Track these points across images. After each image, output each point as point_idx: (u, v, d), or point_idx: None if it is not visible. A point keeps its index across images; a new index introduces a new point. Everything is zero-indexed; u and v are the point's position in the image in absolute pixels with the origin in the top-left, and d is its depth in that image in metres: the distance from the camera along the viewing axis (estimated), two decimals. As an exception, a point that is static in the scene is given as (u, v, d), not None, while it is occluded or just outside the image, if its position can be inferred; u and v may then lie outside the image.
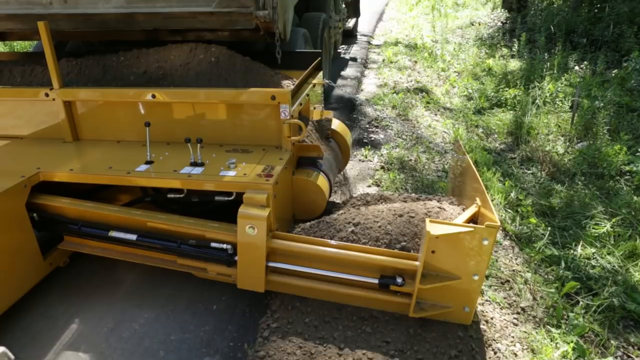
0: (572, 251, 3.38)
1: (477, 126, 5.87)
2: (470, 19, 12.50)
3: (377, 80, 7.91)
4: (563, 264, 3.22)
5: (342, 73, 8.06)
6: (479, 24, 11.89)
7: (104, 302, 2.82)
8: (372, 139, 5.42)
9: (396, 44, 10.41)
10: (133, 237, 2.64)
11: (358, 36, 11.19)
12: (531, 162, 4.86)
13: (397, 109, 6.24)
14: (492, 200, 3.77)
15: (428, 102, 6.64)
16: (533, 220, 3.67)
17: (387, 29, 12.61)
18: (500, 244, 3.46)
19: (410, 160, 4.88)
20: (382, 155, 4.98)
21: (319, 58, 3.73)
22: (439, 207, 2.77)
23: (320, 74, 3.71)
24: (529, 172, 4.67)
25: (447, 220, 2.52)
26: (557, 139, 5.26)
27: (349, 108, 6.33)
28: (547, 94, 6.24)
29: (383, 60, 9.07)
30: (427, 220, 2.27)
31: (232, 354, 2.49)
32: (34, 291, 2.77)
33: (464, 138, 5.43)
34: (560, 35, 8.84)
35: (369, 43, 10.82)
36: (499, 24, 11.56)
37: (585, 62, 7.68)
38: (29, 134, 3.24)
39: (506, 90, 6.72)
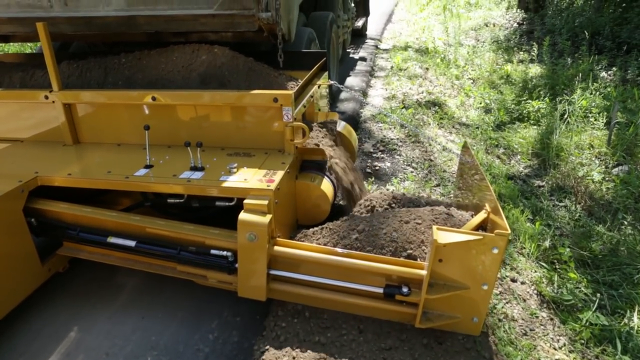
0: (625, 320, 2.73)
1: (497, 145, 5.20)
2: (484, 20, 12.13)
3: (384, 91, 7.08)
4: (619, 345, 2.54)
5: (346, 83, 7.25)
6: (494, 25, 11.53)
7: (104, 309, 2.76)
8: (377, 168, 4.54)
9: (406, 48, 9.79)
10: (132, 243, 2.57)
11: (360, 48, 10.45)
12: (563, 192, 4.14)
13: (406, 128, 5.50)
14: (522, 249, 3.23)
15: (442, 118, 5.94)
16: (573, 275, 3.02)
17: (396, 31, 12.15)
18: (537, 317, 2.76)
19: (423, 197, 3.81)
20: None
21: (325, 58, 3.65)
22: (447, 214, 2.67)
23: (326, 74, 3.62)
24: (561, 204, 3.98)
25: (455, 228, 2.42)
26: (590, 161, 4.54)
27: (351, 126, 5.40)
28: (579, 109, 5.45)
29: (391, 67, 8.35)
30: (434, 227, 2.18)
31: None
32: (33, 297, 2.72)
33: (484, 163, 4.75)
34: (584, 38, 8.23)
35: (376, 47, 10.18)
36: (515, 25, 11.18)
37: (614, 68, 7.03)
38: (28, 137, 3.20)
39: (528, 103, 6.07)
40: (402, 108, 6.06)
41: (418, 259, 2.38)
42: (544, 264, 3.19)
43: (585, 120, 5.33)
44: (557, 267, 3.17)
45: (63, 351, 2.46)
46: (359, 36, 10.59)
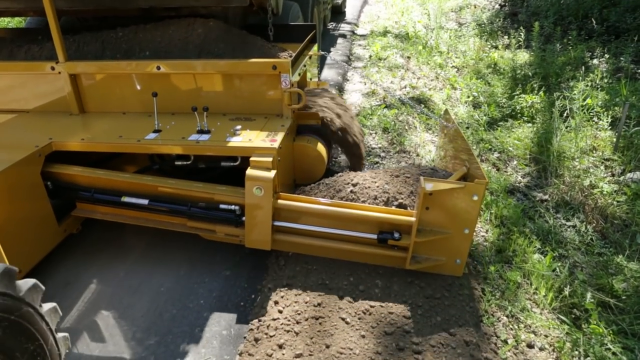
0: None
1: (491, 149, 4.66)
2: (464, 0, 11.83)
3: (362, 86, 6.33)
4: None
5: (321, 77, 6.40)
6: (475, 7, 11.28)
7: (117, 264, 2.98)
8: (355, 188, 3.82)
9: (385, 33, 9.09)
10: (145, 202, 2.79)
11: (340, 25, 10.07)
12: (570, 207, 3.63)
13: (389, 134, 4.79)
14: (534, 295, 2.79)
15: (428, 118, 5.28)
16: (598, 328, 2.50)
17: (373, 14, 11.67)
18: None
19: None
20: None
21: (314, 31, 3.86)
22: (432, 169, 2.97)
23: (316, 46, 3.84)
24: (569, 224, 3.47)
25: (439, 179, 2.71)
26: (596, 168, 4.01)
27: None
28: (581, 106, 4.86)
29: (370, 56, 7.61)
30: (422, 177, 2.45)
31: (242, 306, 2.67)
32: (53, 255, 2.92)
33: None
34: (572, 22, 7.87)
35: (353, 33, 9.44)
36: (497, 6, 10.94)
37: (606, 55, 6.44)
38: (34, 107, 3.34)
39: (521, 97, 5.48)
40: (384, 107, 5.40)
41: (408, 208, 2.67)
42: (563, 318, 2.65)
43: (590, 121, 4.75)
44: (578, 315, 2.68)
45: (87, 299, 2.69)
46: (338, 13, 10.71)
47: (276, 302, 2.51)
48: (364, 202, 2.71)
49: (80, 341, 2.42)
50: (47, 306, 1.69)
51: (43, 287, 1.66)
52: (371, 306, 2.49)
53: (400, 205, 2.67)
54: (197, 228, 2.85)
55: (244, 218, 2.69)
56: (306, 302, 2.51)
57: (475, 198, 2.44)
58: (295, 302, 2.52)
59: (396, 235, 2.59)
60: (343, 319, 2.41)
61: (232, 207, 2.70)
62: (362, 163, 3.56)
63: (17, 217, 2.56)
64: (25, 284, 1.59)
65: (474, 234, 3.20)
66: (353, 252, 2.74)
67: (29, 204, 2.67)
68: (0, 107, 3.36)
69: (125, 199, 2.81)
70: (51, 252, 2.88)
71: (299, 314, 2.45)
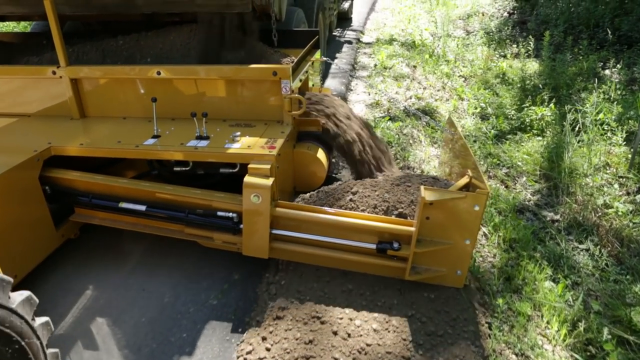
0: None
1: (499, 164, 4.49)
2: (472, 8, 11.72)
3: (366, 96, 6.15)
4: None
5: (324, 85, 6.04)
6: (482, 14, 11.10)
7: (115, 270, 2.95)
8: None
9: (391, 42, 8.91)
10: (142, 207, 2.77)
11: (346, 32, 9.94)
12: (583, 229, 3.44)
13: (393, 147, 4.57)
14: (546, 329, 2.61)
15: (434, 129, 5.10)
16: None
17: (379, 21, 11.49)
18: None
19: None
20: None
21: (317, 36, 3.84)
22: (433, 178, 2.93)
23: (318, 52, 3.82)
24: (582, 247, 3.29)
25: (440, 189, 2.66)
26: (610, 187, 3.83)
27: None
28: (594, 120, 4.67)
29: (375, 65, 7.45)
30: (422, 187, 2.41)
31: (227, 341, 2.53)
32: (51, 260, 2.90)
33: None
34: (582, 31, 7.69)
35: (358, 40, 9.28)
36: (506, 14, 10.77)
37: (618, 66, 6.27)
38: (35, 111, 3.34)
39: (531, 109, 5.28)
40: (388, 120, 5.19)
41: (408, 217, 2.62)
42: (578, 357, 2.46)
43: (603, 135, 4.58)
44: (594, 353, 2.50)
45: (82, 306, 2.66)
46: (344, 19, 10.70)
47: (264, 338, 2.36)
48: (363, 210, 2.67)
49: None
50: (52, 350, 1.78)
51: (53, 328, 1.78)
52: (367, 344, 2.28)
53: (400, 215, 2.63)
54: (195, 235, 2.82)
55: (241, 226, 2.66)
56: (297, 339, 2.32)
57: (477, 208, 2.39)
58: (285, 338, 2.33)
59: (395, 245, 2.54)
60: (336, 359, 2.25)
61: (230, 214, 2.67)
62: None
63: (14, 222, 2.55)
64: (40, 318, 1.70)
65: (482, 259, 3.15)
66: (351, 262, 2.69)
67: (26, 208, 2.65)
68: (2, 110, 3.37)
69: (123, 205, 2.79)
70: (48, 257, 2.85)
71: (288, 352, 2.26)
